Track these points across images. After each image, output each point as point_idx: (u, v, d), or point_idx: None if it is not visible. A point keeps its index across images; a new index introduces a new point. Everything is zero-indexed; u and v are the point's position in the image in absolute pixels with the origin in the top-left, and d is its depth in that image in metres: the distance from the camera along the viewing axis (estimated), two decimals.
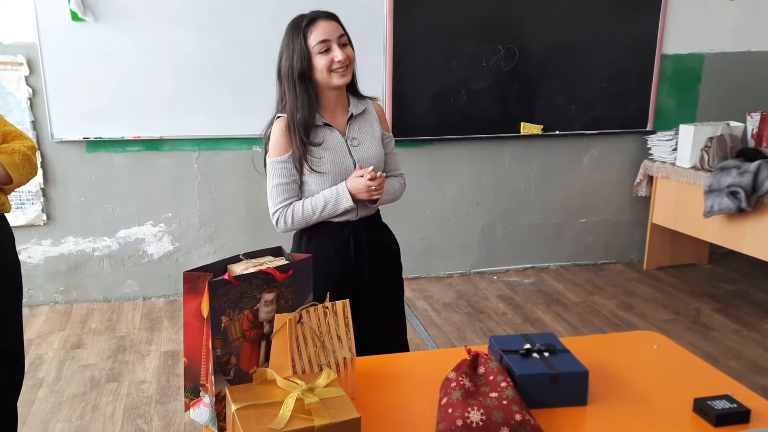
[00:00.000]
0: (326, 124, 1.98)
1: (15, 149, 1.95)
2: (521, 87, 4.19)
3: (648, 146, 4.41)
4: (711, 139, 3.95)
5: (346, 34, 1.97)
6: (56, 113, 3.63)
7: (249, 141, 3.93)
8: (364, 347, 1.81)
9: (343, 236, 2.02)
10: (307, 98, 1.93)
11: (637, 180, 4.46)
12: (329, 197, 1.95)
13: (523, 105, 4.22)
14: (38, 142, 3.65)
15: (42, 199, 3.75)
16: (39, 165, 3.61)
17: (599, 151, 4.48)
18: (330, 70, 1.91)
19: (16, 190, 2.04)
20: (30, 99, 3.62)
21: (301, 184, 2.00)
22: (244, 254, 1.43)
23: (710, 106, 4.52)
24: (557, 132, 4.30)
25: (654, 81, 4.37)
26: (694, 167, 4.01)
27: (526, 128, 4.23)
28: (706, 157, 3.94)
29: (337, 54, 1.90)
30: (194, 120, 3.80)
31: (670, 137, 4.22)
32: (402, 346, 2.20)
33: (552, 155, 4.40)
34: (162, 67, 3.69)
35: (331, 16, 1.95)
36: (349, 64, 1.94)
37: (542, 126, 4.25)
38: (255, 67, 3.74)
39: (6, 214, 2.04)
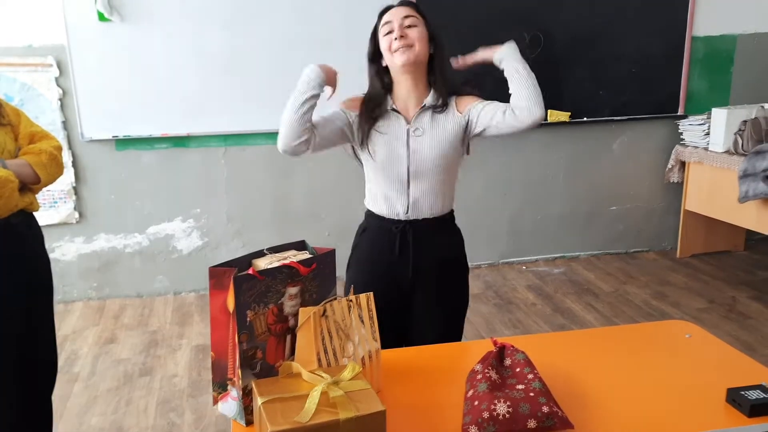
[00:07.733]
0: (394, 110, 1.95)
1: (42, 149, 1.98)
2: (547, 74, 4.08)
3: (679, 131, 4.31)
4: (745, 122, 3.85)
5: (417, 17, 1.93)
6: (86, 113, 3.69)
7: (274, 136, 3.89)
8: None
9: (391, 233, 1.98)
10: (379, 82, 1.95)
11: (669, 166, 4.36)
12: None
13: (549, 92, 4.08)
14: (69, 141, 3.72)
15: (74, 197, 3.81)
16: (69, 164, 3.73)
17: (629, 137, 4.39)
18: (391, 51, 1.89)
19: (44, 189, 2.08)
20: (60, 100, 3.68)
21: (361, 164, 2.02)
22: (268, 249, 1.44)
23: (744, 88, 4.40)
24: (585, 119, 4.23)
25: (685, 64, 4.27)
26: (727, 151, 3.91)
27: (554, 116, 4.17)
28: (740, 140, 3.84)
29: (395, 33, 1.88)
30: (220, 116, 3.83)
31: (703, 121, 4.12)
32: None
33: (580, 142, 4.33)
34: (188, 65, 3.72)
35: (405, 2, 1.94)
36: (412, 44, 1.89)
37: (570, 113, 4.18)
38: (280, 63, 3.76)
39: (36, 213, 2.08)
